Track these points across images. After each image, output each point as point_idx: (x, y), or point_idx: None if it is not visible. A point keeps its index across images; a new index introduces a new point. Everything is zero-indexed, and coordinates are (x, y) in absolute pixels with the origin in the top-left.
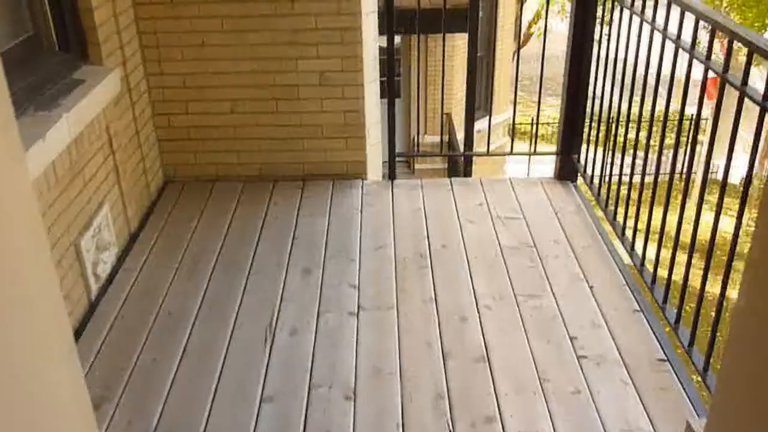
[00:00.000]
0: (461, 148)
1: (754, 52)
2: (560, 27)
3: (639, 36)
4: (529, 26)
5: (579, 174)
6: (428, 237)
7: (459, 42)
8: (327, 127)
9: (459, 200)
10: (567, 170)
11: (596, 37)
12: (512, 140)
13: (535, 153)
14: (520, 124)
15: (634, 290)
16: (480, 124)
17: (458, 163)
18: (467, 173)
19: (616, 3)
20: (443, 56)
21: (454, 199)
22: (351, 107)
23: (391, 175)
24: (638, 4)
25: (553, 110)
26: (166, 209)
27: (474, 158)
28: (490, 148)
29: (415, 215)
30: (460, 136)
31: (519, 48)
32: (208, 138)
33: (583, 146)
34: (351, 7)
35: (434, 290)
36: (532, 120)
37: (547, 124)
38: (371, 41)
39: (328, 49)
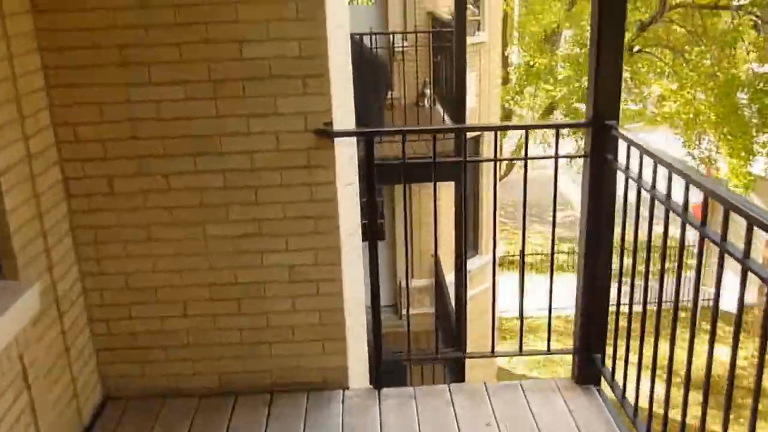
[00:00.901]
0: (451, 293)
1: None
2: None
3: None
4: (514, 152)
5: (604, 379)
6: None
7: (442, 184)
8: (299, 329)
9: (462, 417)
10: (588, 373)
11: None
12: (520, 335)
13: (549, 352)
14: (510, 255)
15: None
16: (469, 264)
17: (450, 317)
18: (458, 332)
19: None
20: (435, 206)
21: (455, 415)
22: (328, 305)
23: (377, 383)
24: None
25: (539, 237)
26: None
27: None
28: (480, 288)
29: None
30: (449, 278)
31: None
32: (156, 345)
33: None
34: (325, 193)
35: None
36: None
37: (536, 254)
38: (350, 218)
39: (300, 240)
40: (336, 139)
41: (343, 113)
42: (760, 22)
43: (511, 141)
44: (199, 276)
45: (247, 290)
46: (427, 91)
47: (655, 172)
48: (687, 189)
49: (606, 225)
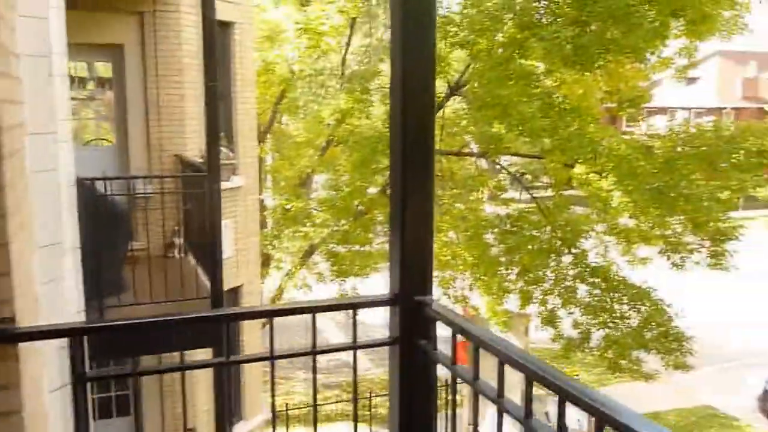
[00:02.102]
0: None
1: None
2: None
3: None
4: (274, 299)
5: None
6: None
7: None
8: None
9: None
10: None
11: None
12: None
13: None
14: (279, 410)
15: None
16: None
17: None
18: None
19: None
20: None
21: None
22: None
23: None
24: None
25: (304, 384)
26: None
27: None
28: None
29: None
30: None
31: None
32: None
33: None
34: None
35: None
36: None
37: (303, 406)
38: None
39: None
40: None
41: (53, 291)
42: (496, 167)
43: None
44: None
45: None
46: (177, 241)
47: (501, 376)
48: (563, 403)
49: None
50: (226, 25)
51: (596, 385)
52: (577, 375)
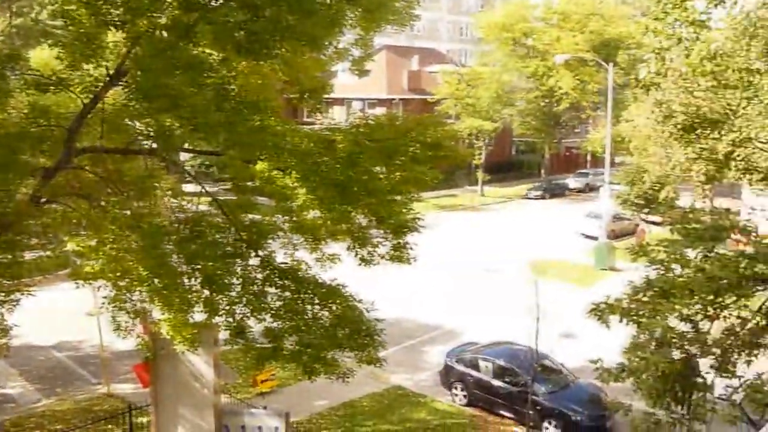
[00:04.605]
0: None
1: None
2: None
3: None
4: None
5: None
6: None
7: None
8: None
9: None
10: None
11: None
12: None
13: None
14: None
15: None
16: None
17: None
18: None
19: None
20: None
21: None
22: None
23: None
24: None
25: None
26: None
27: None
28: None
29: None
30: None
31: None
32: None
33: None
34: None
35: None
36: None
37: None
38: None
39: None
40: None
41: None
42: (173, 165)
43: None
44: None
45: None
46: None
47: None
48: None
49: None
50: None
51: (292, 381)
52: (273, 374)
